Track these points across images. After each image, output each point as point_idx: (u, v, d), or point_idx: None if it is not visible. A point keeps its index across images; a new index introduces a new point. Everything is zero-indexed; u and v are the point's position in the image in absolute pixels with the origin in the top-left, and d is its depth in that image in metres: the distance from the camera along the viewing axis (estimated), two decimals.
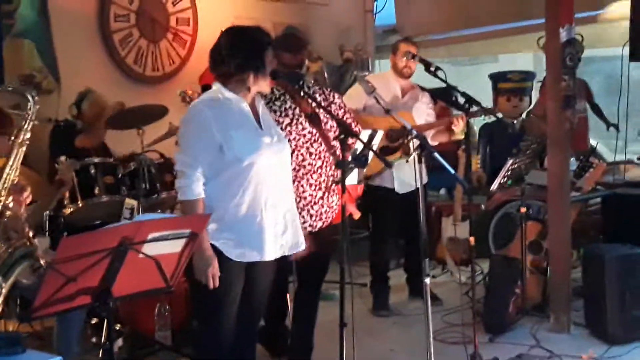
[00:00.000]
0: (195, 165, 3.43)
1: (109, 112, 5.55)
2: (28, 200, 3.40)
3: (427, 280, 3.92)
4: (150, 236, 2.77)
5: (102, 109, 5.55)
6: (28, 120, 3.35)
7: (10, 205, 3.30)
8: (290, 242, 3.69)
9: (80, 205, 4.98)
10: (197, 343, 3.82)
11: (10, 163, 3.31)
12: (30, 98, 3.34)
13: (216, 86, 3.57)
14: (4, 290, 3.25)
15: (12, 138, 3.35)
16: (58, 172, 4.80)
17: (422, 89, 5.76)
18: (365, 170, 4.80)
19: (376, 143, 4.48)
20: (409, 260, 6.09)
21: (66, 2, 6.33)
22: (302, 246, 3.75)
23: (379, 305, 5.80)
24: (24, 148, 3.36)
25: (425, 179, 5.61)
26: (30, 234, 3.35)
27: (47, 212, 4.88)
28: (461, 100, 4.94)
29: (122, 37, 6.69)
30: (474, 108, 4.90)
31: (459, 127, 5.30)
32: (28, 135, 3.35)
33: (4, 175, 3.29)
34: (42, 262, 3.30)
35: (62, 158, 4.82)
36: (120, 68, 6.71)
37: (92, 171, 5.05)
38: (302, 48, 4.50)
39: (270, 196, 3.54)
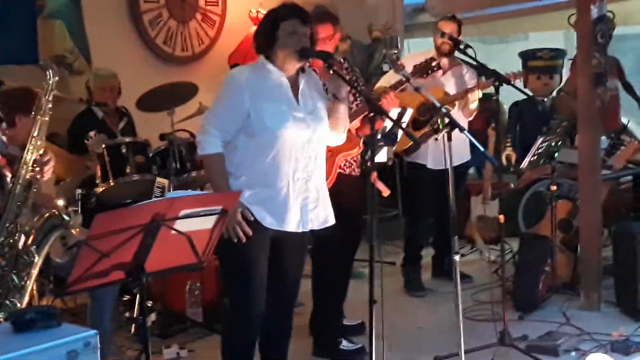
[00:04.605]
0: (216, 124, 3.53)
1: (114, 82, 5.61)
2: (50, 164, 3.41)
3: (457, 257, 3.93)
4: (182, 213, 2.80)
5: (106, 77, 5.61)
6: (48, 90, 3.38)
7: (38, 177, 3.33)
8: (321, 217, 3.70)
9: (112, 183, 5.05)
10: (227, 320, 3.85)
11: (34, 133, 3.34)
12: (50, 70, 3.38)
13: (261, 59, 3.61)
14: (39, 261, 3.29)
15: (34, 110, 3.38)
16: (89, 147, 4.87)
17: (471, 65, 5.64)
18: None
19: (405, 121, 4.48)
20: (437, 239, 6.08)
21: None
22: (331, 221, 3.76)
23: (413, 286, 5.77)
24: (47, 118, 3.38)
25: (467, 157, 5.64)
26: (61, 203, 3.38)
27: (79, 190, 4.96)
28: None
29: (151, 18, 6.72)
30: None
31: (474, 96, 5.36)
32: (49, 105, 3.38)
33: (29, 146, 3.32)
34: (74, 232, 3.33)
35: (92, 133, 4.90)
36: (150, 48, 6.74)
37: (124, 150, 5.12)
38: (330, 19, 4.47)
39: (300, 169, 3.56)
